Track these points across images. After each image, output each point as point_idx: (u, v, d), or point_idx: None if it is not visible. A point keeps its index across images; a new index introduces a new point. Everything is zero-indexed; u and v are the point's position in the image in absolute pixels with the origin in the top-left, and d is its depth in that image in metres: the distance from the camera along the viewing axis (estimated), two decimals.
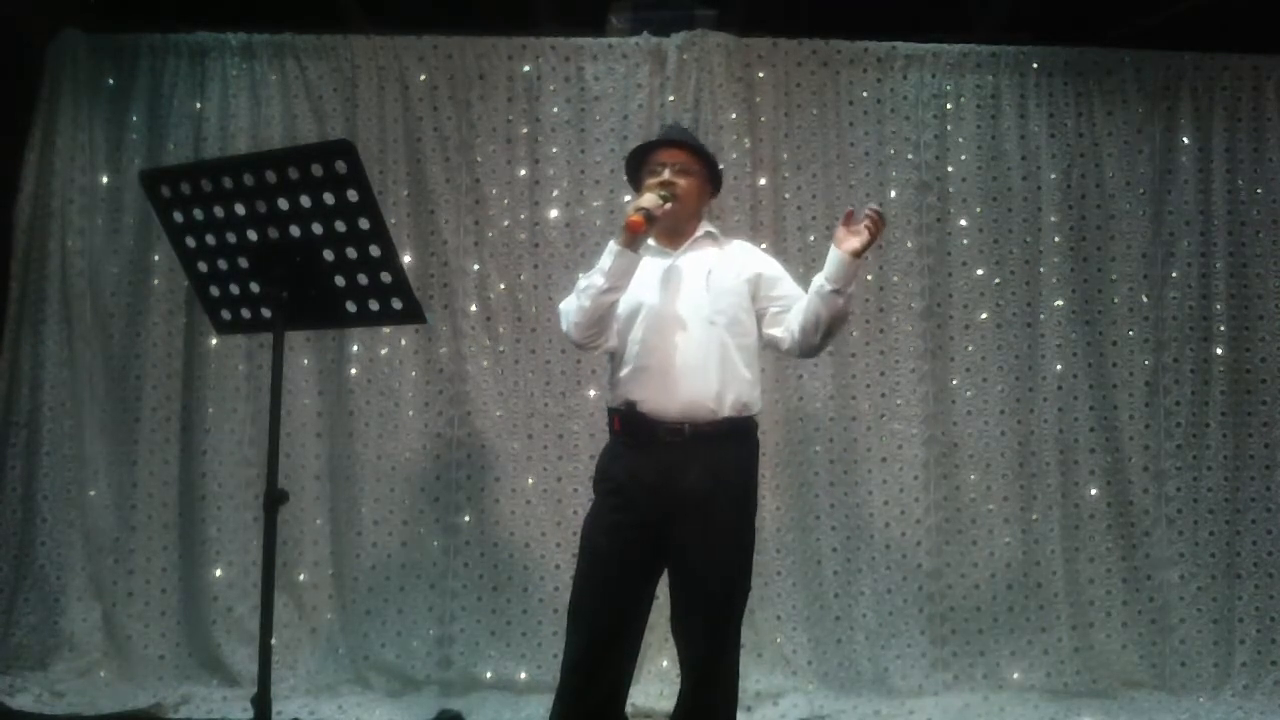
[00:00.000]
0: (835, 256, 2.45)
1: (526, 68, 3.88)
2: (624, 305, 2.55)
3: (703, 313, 2.52)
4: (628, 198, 3.79)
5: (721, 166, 2.88)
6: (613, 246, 2.48)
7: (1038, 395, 3.85)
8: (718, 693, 2.52)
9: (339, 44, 3.87)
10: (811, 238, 3.86)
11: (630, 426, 2.51)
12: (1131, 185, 3.92)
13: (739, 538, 2.54)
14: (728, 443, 2.51)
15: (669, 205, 2.51)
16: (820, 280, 2.47)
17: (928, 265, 3.88)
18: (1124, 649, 3.76)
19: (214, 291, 2.35)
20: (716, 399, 2.48)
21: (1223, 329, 3.88)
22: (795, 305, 2.58)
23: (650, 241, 2.62)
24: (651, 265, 2.59)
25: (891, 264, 3.86)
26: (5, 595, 3.71)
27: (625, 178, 2.84)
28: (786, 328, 2.58)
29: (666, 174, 2.58)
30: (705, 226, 2.69)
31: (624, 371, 2.54)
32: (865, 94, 3.92)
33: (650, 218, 2.44)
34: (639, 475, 2.47)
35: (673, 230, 2.63)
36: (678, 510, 2.46)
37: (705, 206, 2.76)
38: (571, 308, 2.55)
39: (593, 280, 2.49)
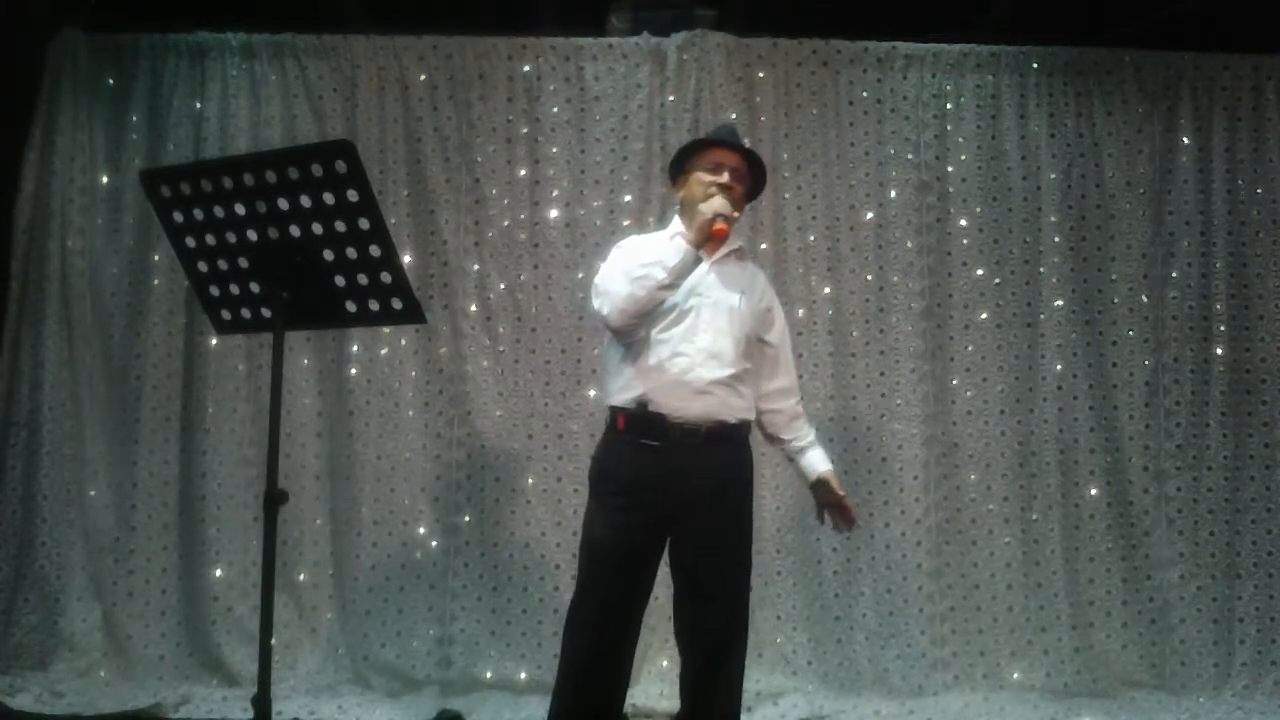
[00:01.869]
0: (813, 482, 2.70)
1: (526, 68, 3.88)
2: None
3: (730, 331, 2.54)
4: (628, 197, 3.82)
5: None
6: (684, 246, 2.46)
7: (1038, 395, 3.85)
8: (723, 692, 2.53)
9: (339, 44, 3.87)
10: (811, 238, 3.86)
11: (640, 425, 2.48)
12: (1131, 185, 3.92)
13: (743, 537, 2.58)
14: (732, 445, 2.56)
15: (736, 215, 2.54)
16: (808, 473, 2.70)
17: (928, 265, 3.88)
18: (1124, 649, 3.76)
19: (214, 291, 2.35)
20: (729, 411, 2.52)
21: (1223, 329, 3.88)
22: (781, 374, 2.70)
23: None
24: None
25: (891, 264, 3.87)
26: (5, 595, 3.71)
27: (657, 167, 2.83)
28: (765, 395, 2.69)
29: (727, 177, 2.58)
30: (736, 240, 2.69)
31: (644, 365, 2.49)
32: (865, 94, 3.92)
33: (729, 224, 2.48)
34: (647, 475, 2.47)
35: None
36: (686, 509, 2.47)
37: None
38: (621, 292, 2.46)
39: (652, 273, 2.44)
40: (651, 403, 2.48)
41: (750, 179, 2.67)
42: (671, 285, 2.45)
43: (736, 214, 2.54)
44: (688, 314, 2.52)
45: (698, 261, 2.47)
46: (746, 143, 3.09)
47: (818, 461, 2.70)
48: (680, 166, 2.70)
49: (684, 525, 2.48)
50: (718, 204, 2.48)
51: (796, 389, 2.76)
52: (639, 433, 2.49)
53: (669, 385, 2.47)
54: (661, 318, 2.51)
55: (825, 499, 2.70)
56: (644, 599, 2.56)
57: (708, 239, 2.45)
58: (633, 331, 2.50)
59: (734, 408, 2.53)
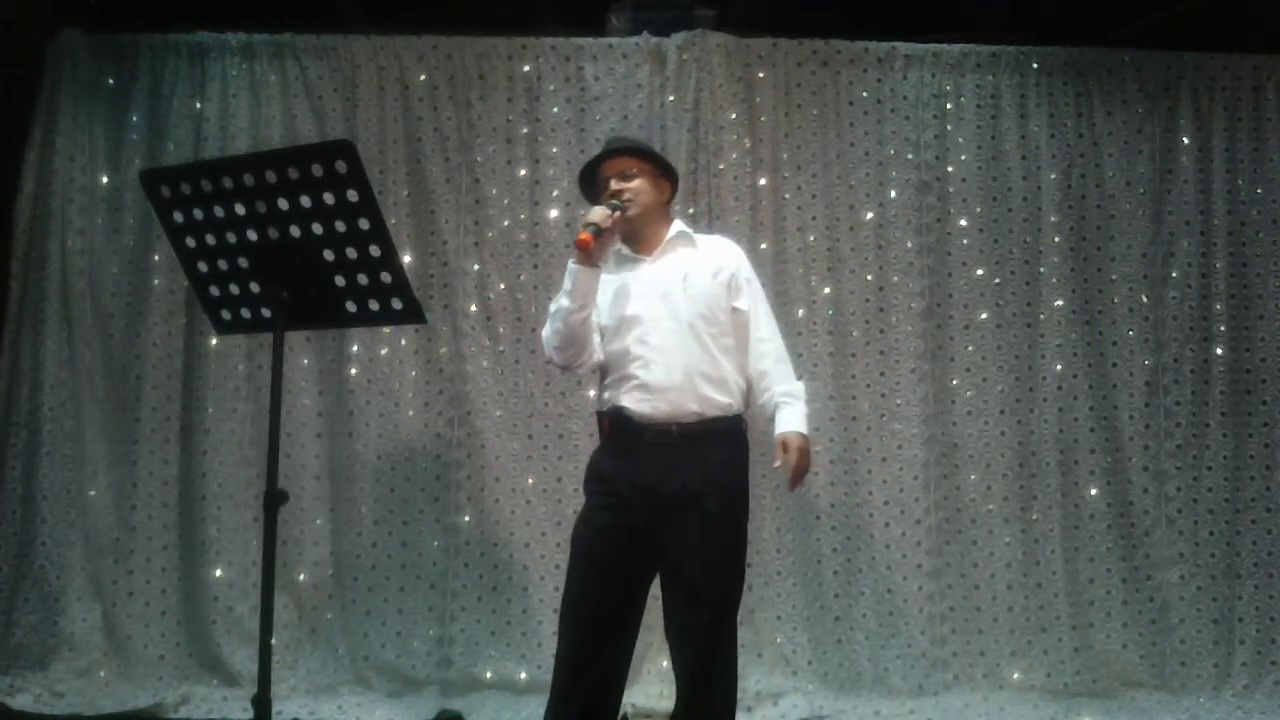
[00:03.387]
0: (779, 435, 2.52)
1: (526, 68, 3.88)
2: (607, 318, 2.57)
3: (682, 318, 2.51)
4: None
5: (675, 163, 2.88)
6: (571, 266, 2.46)
7: (1038, 395, 3.85)
8: (716, 693, 2.53)
9: (339, 44, 3.87)
10: (811, 238, 3.86)
11: (618, 429, 2.52)
12: (1131, 185, 3.92)
13: (731, 537, 2.55)
14: (716, 442, 2.52)
15: (619, 214, 2.49)
16: (775, 429, 2.53)
17: (928, 265, 3.88)
18: (1124, 649, 3.76)
19: (214, 291, 2.35)
20: (701, 402, 2.49)
21: (1223, 329, 3.88)
22: (749, 339, 2.60)
23: (624, 250, 2.64)
24: (628, 274, 2.59)
25: (891, 264, 3.87)
26: (5, 595, 3.71)
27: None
28: (742, 365, 2.60)
29: (612, 185, 2.58)
30: (677, 227, 2.66)
31: (609, 379, 2.57)
32: (865, 94, 3.92)
33: (598, 232, 2.43)
34: (629, 476, 2.48)
35: (640, 236, 2.62)
36: (668, 511, 2.46)
37: (667, 204, 2.70)
38: (546, 331, 2.57)
39: (560, 303, 2.50)
40: (624, 408, 2.50)
41: (648, 165, 2.63)
42: (580, 307, 2.46)
43: (619, 213, 2.49)
44: (635, 319, 2.53)
45: (591, 275, 2.45)
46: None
47: (776, 423, 2.55)
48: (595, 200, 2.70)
49: (669, 525, 2.47)
50: (592, 213, 2.48)
51: (761, 348, 2.60)
52: (618, 436, 2.53)
53: (634, 390, 2.49)
54: (614, 330, 2.55)
55: (779, 455, 2.52)
56: (634, 599, 2.55)
57: (584, 255, 2.42)
58: (576, 360, 2.56)
59: (703, 399, 2.49)
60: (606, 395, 2.58)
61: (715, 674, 2.52)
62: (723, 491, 2.51)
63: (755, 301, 2.64)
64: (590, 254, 2.43)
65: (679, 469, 2.46)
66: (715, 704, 2.52)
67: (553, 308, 2.54)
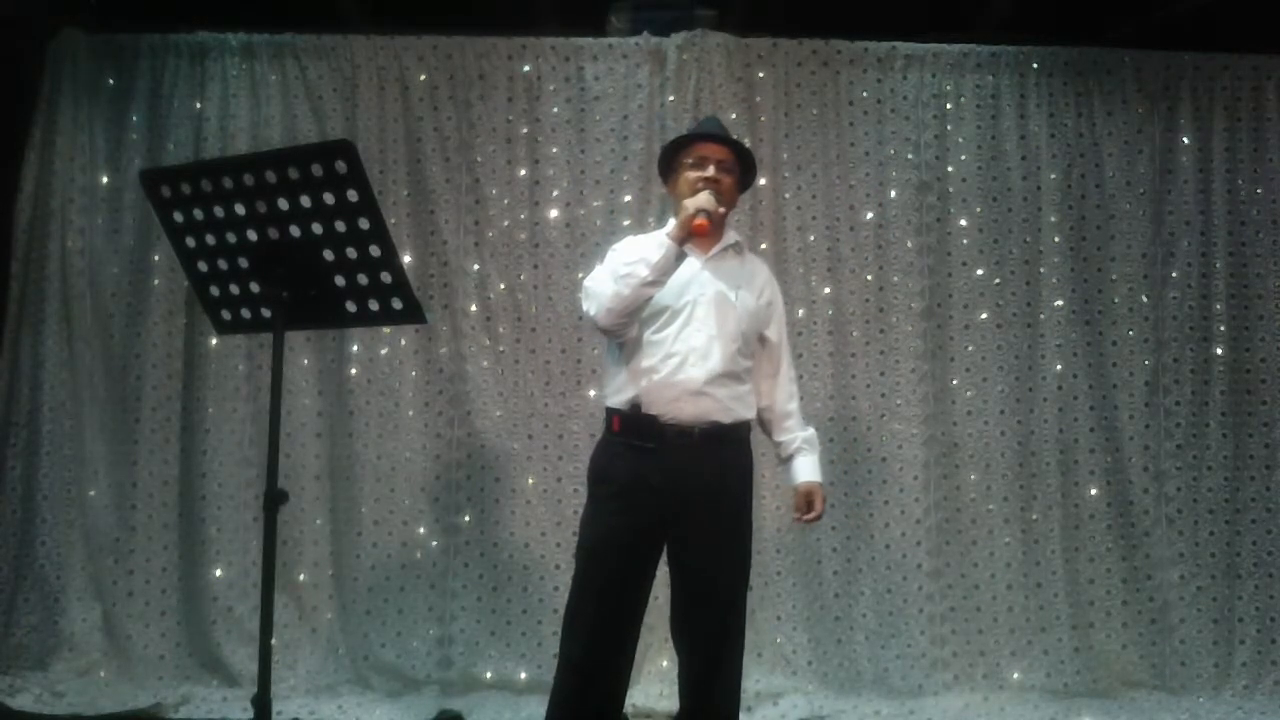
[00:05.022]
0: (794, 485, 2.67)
1: (526, 68, 3.88)
2: (651, 303, 2.49)
3: (727, 330, 2.51)
4: (628, 197, 3.82)
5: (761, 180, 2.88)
6: (668, 242, 2.42)
7: (1038, 395, 3.85)
8: (723, 692, 2.53)
9: (339, 44, 3.87)
10: (811, 238, 3.86)
11: (634, 427, 2.48)
12: (1131, 185, 3.92)
13: (743, 538, 2.57)
14: (730, 445, 2.53)
15: (722, 209, 2.51)
16: (792, 480, 2.67)
17: (928, 265, 3.88)
18: (1124, 649, 3.76)
19: (214, 291, 2.35)
20: (724, 413, 2.50)
21: (1223, 329, 3.89)
22: (775, 371, 2.68)
23: None
24: (683, 269, 2.51)
25: (891, 264, 3.87)
26: (5, 595, 3.71)
27: (656, 167, 2.78)
28: (760, 393, 2.67)
29: (712, 170, 2.55)
30: (732, 235, 2.67)
31: (637, 367, 2.49)
32: (865, 94, 3.92)
33: (711, 219, 2.44)
34: (644, 477, 2.46)
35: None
36: (683, 511, 2.46)
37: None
38: (606, 292, 2.45)
39: (636, 270, 2.43)
40: (644, 405, 2.47)
41: (740, 170, 2.64)
42: (655, 282, 2.42)
43: (722, 208, 2.52)
44: (680, 313, 2.50)
45: (681, 257, 2.44)
46: (737, 137, 3.07)
47: (799, 471, 2.64)
48: (669, 164, 2.68)
49: (681, 527, 2.47)
50: (701, 199, 2.46)
51: (790, 388, 2.70)
52: (633, 435, 2.49)
53: (661, 387, 2.46)
54: (655, 318, 2.50)
55: (800, 505, 2.64)
56: (642, 600, 2.55)
57: (689, 235, 2.43)
58: (621, 331, 2.48)
59: (729, 408, 2.50)
60: (626, 388, 2.50)
61: (722, 674, 2.52)
62: (734, 492, 2.54)
63: (782, 336, 2.69)
64: (695, 238, 2.45)
65: (695, 469, 2.45)
66: (721, 703, 2.53)
67: (623, 270, 2.46)
